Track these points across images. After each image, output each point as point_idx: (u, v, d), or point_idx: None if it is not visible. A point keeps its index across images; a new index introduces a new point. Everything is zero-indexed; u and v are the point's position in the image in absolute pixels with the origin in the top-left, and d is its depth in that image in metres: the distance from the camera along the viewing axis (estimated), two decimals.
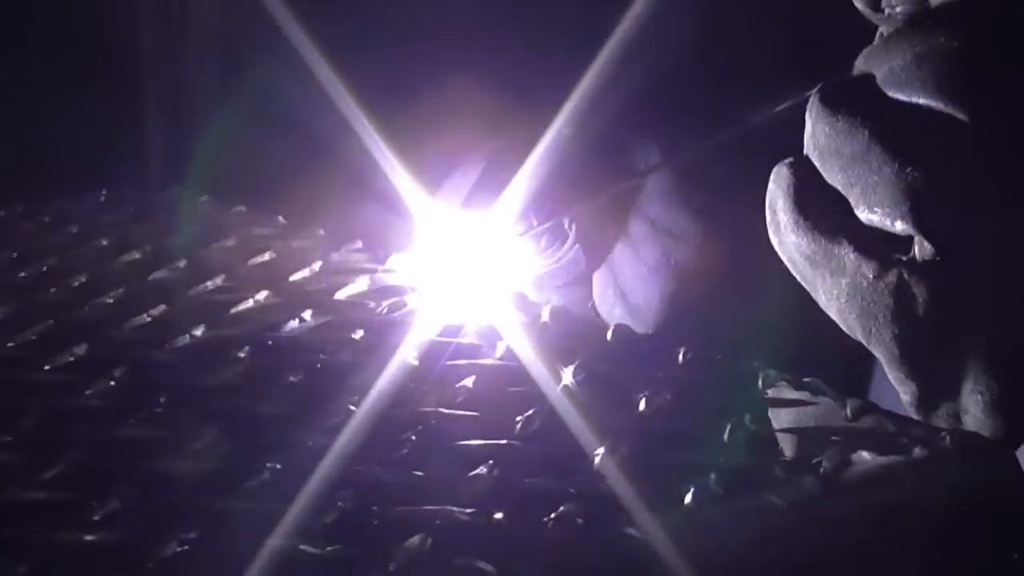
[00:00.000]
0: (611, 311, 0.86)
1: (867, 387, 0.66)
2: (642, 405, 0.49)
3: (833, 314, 0.48)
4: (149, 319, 0.63)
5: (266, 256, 0.71)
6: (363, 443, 0.46)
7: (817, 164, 0.47)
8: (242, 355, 0.57)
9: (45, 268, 0.72)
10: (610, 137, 0.83)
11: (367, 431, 0.47)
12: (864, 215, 0.45)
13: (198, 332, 0.60)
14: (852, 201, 0.46)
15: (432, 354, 0.55)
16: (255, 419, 0.50)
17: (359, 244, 0.74)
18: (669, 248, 0.84)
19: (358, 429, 0.47)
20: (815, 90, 0.48)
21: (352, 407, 0.49)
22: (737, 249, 0.78)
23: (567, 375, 0.52)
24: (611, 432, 0.45)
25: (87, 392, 0.53)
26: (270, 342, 0.59)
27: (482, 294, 0.66)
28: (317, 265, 0.70)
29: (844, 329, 0.48)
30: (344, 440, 0.46)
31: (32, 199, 0.82)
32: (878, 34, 0.50)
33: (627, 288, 0.85)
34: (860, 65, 0.49)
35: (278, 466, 0.44)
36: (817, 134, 0.47)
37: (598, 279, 0.86)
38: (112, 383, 0.53)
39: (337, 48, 0.70)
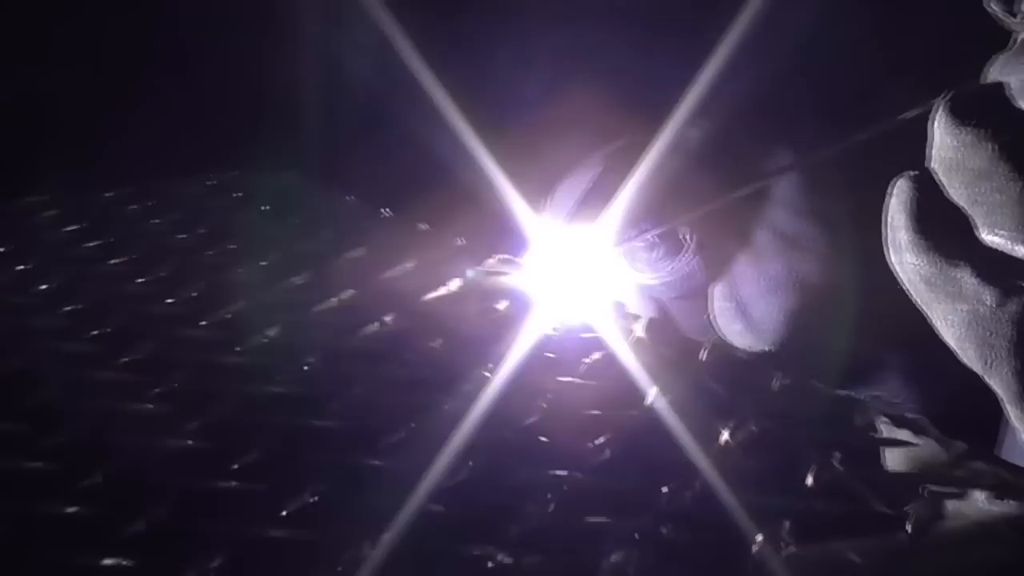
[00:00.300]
0: (729, 326, 0.81)
1: (991, 427, 0.60)
2: (724, 436, 0.45)
3: (950, 342, 0.45)
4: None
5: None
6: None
7: (940, 179, 0.45)
8: (388, 319, 0.59)
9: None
10: (732, 139, 0.79)
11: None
12: (987, 237, 0.43)
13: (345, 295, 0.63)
14: (975, 221, 0.43)
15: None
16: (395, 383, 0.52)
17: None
18: (794, 260, 0.79)
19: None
20: (942, 97, 0.45)
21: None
22: (867, 265, 0.73)
23: (649, 396, 0.49)
24: (682, 468, 0.42)
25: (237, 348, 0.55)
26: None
27: (581, 304, 0.64)
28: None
29: (962, 360, 0.45)
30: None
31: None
32: (1012, 40, 0.47)
33: (747, 302, 0.81)
34: (992, 73, 0.46)
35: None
36: (941, 146, 0.44)
37: (717, 292, 0.81)
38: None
39: (452, 61, 0.71)
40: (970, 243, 0.43)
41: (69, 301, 0.62)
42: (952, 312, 0.43)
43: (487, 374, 0.51)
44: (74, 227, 0.75)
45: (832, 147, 0.70)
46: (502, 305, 0.63)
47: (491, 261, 0.73)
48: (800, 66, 0.72)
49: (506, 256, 0.76)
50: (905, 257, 0.45)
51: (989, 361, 0.43)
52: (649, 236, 0.76)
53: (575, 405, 0.50)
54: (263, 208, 0.79)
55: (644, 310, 0.85)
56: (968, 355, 0.44)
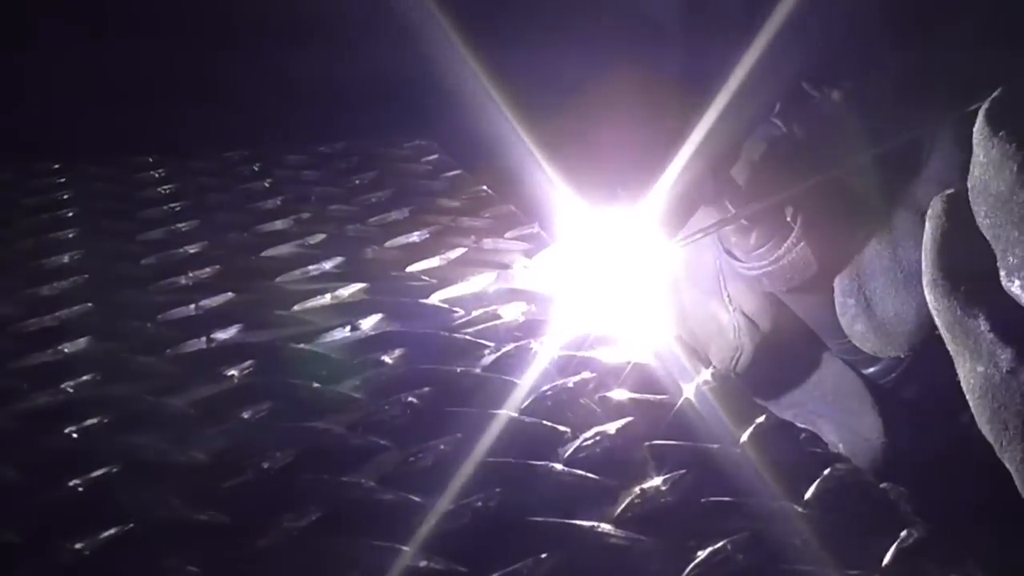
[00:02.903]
0: (851, 326, 0.68)
1: None
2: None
3: (970, 404, 0.39)
4: None
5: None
6: None
7: (971, 202, 0.37)
8: None
9: None
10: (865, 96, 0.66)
11: None
12: (1005, 282, 0.35)
13: None
14: (997, 259, 0.36)
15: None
16: None
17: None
18: None
19: None
20: (986, 102, 0.38)
21: None
22: None
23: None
24: None
25: None
26: None
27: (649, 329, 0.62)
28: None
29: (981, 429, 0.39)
30: None
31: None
32: None
33: (875, 298, 0.67)
34: None
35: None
36: (974, 161, 0.37)
37: (839, 285, 0.68)
38: None
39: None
40: (991, 288, 0.36)
41: None
42: (971, 373, 0.37)
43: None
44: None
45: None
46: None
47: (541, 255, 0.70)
48: None
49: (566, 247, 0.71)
50: (930, 298, 0.38)
51: (1001, 439, 0.38)
52: (735, 218, 0.65)
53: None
54: None
55: (753, 304, 0.74)
56: (983, 426, 0.39)
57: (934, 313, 0.38)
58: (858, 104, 0.64)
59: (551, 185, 0.66)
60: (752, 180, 0.66)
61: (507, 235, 0.83)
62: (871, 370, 0.73)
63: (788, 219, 0.66)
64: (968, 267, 0.37)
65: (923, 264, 0.38)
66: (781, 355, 0.75)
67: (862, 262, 0.67)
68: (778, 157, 0.67)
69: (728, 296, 0.74)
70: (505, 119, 0.68)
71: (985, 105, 0.37)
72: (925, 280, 0.38)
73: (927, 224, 0.38)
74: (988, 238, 0.36)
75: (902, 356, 0.66)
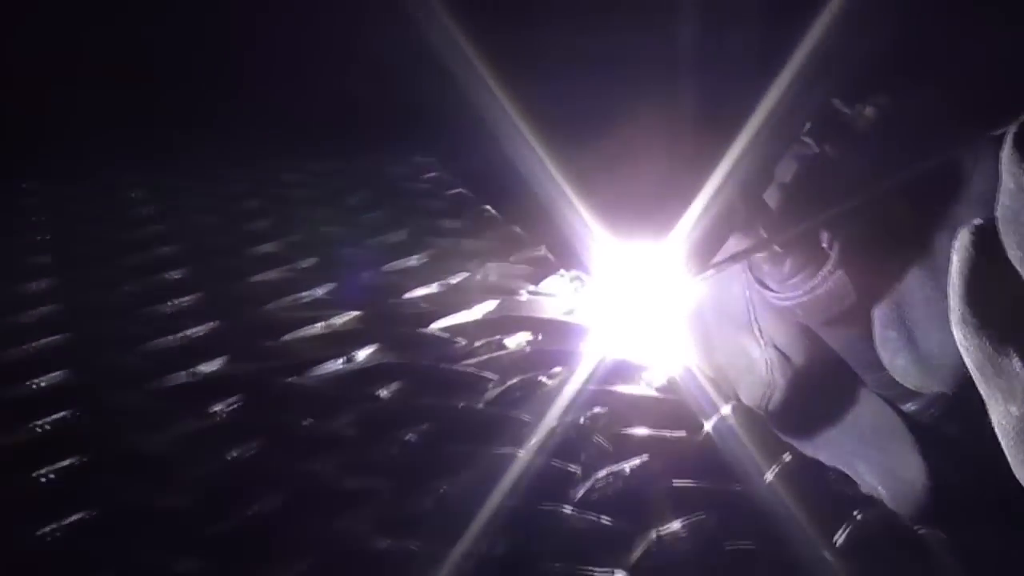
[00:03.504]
0: (893, 361, 0.69)
1: None
2: None
3: (1005, 450, 0.40)
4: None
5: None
6: None
7: (1000, 232, 0.39)
8: None
9: None
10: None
11: None
12: None
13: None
14: None
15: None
16: None
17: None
18: None
19: None
20: (1015, 125, 0.40)
21: None
22: None
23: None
24: None
25: None
26: None
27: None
28: None
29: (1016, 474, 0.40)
30: None
31: None
32: None
33: (918, 330, 0.68)
34: None
35: None
36: (1002, 190, 0.39)
37: (879, 316, 0.69)
38: None
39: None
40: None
41: None
42: (1004, 415, 0.38)
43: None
44: None
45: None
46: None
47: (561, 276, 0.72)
48: None
49: (577, 273, 0.72)
50: (958, 336, 0.39)
51: None
52: (766, 246, 0.67)
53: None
54: None
55: (786, 337, 0.76)
56: (1016, 470, 0.40)
57: (963, 352, 0.39)
58: (894, 121, 0.66)
59: (569, 209, 0.67)
60: (784, 204, 0.68)
61: (512, 259, 0.84)
62: (911, 406, 0.74)
63: (823, 245, 0.68)
64: (999, 302, 0.38)
65: (950, 300, 0.39)
66: (816, 392, 0.76)
67: (903, 291, 0.69)
68: (811, 179, 0.68)
69: (759, 329, 0.76)
70: (525, 144, 0.70)
71: (1013, 129, 0.38)
72: (953, 317, 0.39)
73: (953, 257, 0.39)
74: (1020, 271, 0.37)
75: (947, 392, 0.67)
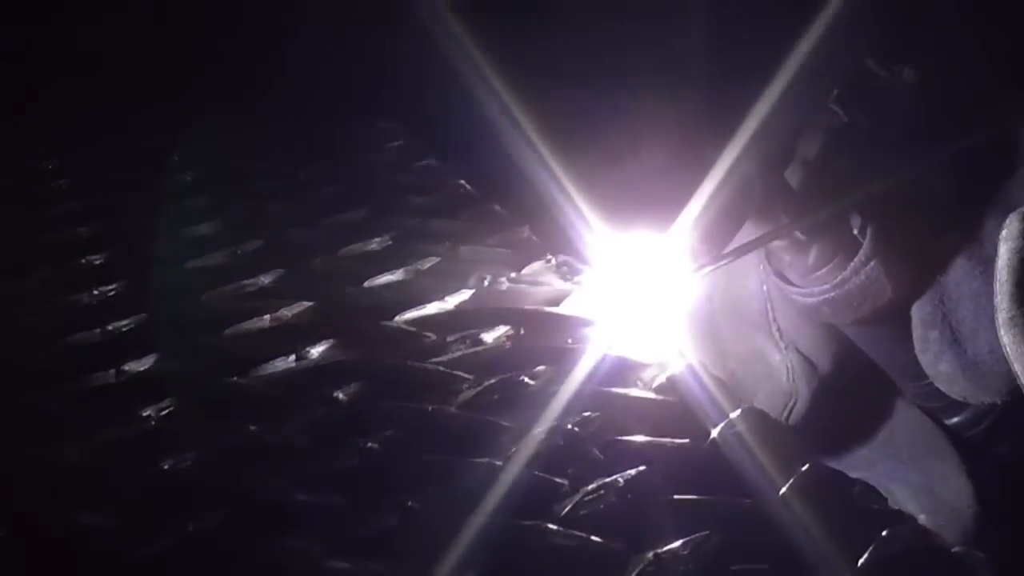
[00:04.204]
0: (935, 366, 0.72)
1: None
2: None
3: None
4: None
5: None
6: None
7: None
8: None
9: None
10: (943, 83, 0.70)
11: None
12: None
13: None
14: None
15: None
16: None
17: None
18: None
19: None
20: None
21: None
22: None
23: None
24: None
25: None
26: None
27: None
28: None
29: None
30: None
31: None
32: None
33: (964, 330, 0.71)
34: None
35: None
36: None
37: (919, 314, 0.72)
38: None
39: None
40: None
41: None
42: None
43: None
44: None
45: None
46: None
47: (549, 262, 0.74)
48: None
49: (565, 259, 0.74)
50: (1006, 338, 0.39)
51: None
52: (787, 231, 0.69)
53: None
54: None
55: (810, 339, 0.78)
56: None
57: (1010, 356, 0.41)
58: (937, 85, 0.68)
59: (560, 186, 0.69)
60: (809, 183, 0.70)
61: (490, 241, 0.86)
62: (956, 420, 0.77)
63: (855, 231, 0.70)
64: None
65: (997, 298, 0.41)
66: (844, 403, 0.79)
67: (947, 285, 0.71)
68: (839, 153, 0.70)
69: (779, 330, 0.78)
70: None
71: None
72: (1000, 317, 0.41)
73: (1000, 248, 0.41)
74: None
75: (998, 402, 0.70)
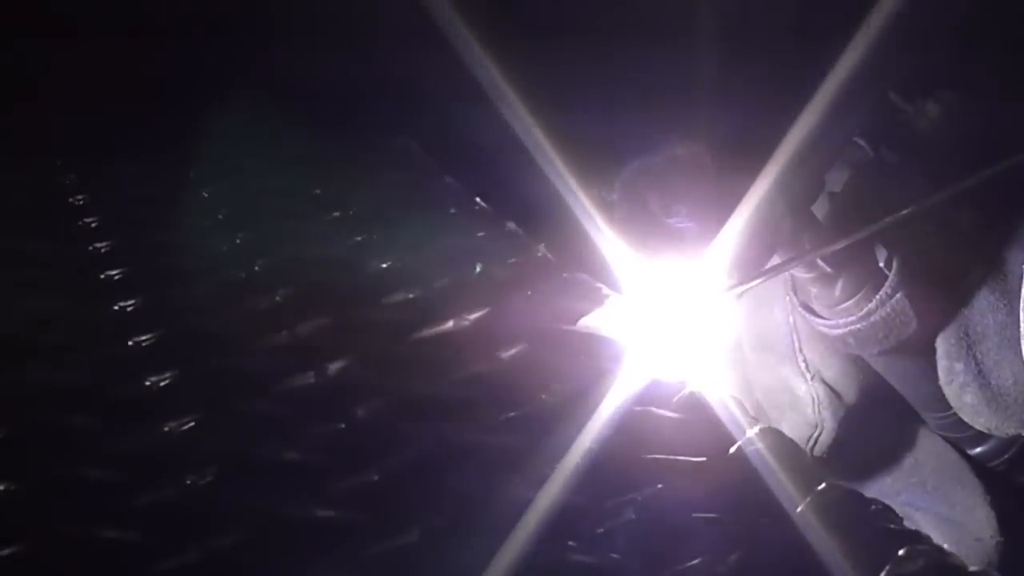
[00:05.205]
0: (960, 395, 0.73)
1: None
2: None
3: None
4: None
5: None
6: None
7: None
8: None
9: None
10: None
11: None
12: None
13: None
14: None
15: None
16: None
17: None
18: None
19: None
20: None
21: None
22: None
23: None
24: None
25: None
26: None
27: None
28: None
29: None
30: None
31: None
32: None
33: (988, 362, 0.72)
34: None
35: None
36: None
37: (944, 346, 0.74)
38: None
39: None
40: None
41: None
42: None
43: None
44: None
45: None
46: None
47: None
48: None
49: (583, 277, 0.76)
50: None
51: None
52: (810, 258, 0.71)
53: None
54: None
55: (836, 370, 0.80)
56: None
57: None
58: (960, 118, 0.69)
59: (582, 208, 0.71)
60: (835, 216, 0.72)
61: (508, 259, 0.89)
62: (979, 450, 0.78)
63: (880, 264, 0.72)
64: None
65: (1021, 329, 0.41)
66: (869, 433, 0.81)
67: (972, 317, 0.72)
68: (866, 187, 0.72)
69: (804, 361, 0.80)
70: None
71: None
72: None
73: None
74: None
75: (1023, 433, 0.72)
